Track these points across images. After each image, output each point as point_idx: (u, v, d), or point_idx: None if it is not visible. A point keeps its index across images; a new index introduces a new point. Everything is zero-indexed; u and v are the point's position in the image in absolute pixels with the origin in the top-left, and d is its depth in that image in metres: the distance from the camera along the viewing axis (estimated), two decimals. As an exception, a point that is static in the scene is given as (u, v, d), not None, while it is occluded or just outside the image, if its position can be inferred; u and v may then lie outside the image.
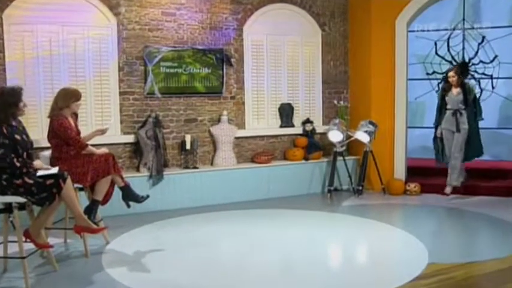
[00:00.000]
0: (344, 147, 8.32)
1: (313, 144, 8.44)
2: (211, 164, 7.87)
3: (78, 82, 6.89)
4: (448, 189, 7.70)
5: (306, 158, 8.31)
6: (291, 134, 8.49)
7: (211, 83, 7.77)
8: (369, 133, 7.94)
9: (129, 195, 5.53)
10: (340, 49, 8.85)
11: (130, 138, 7.31)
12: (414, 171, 8.60)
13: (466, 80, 7.81)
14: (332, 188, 8.00)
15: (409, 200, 7.80)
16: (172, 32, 7.52)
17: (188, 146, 7.51)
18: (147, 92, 7.36)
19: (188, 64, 7.58)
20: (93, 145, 5.55)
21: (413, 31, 8.74)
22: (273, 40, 8.29)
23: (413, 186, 8.07)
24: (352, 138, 8.18)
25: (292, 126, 8.51)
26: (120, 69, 7.23)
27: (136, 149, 7.31)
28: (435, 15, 8.86)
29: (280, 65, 8.39)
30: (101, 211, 5.53)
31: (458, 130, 7.55)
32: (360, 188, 8.05)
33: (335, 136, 8.09)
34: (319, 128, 8.66)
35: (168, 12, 7.49)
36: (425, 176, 8.47)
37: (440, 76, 8.09)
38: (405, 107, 8.37)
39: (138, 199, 5.56)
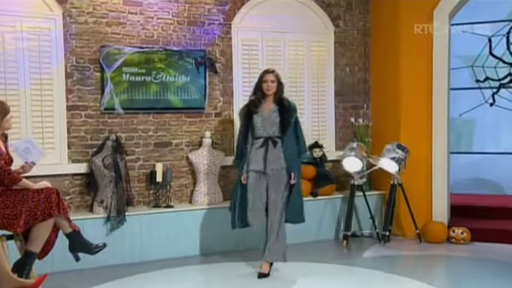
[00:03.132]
0: (364, 179, 8.27)
1: (323, 176, 8.38)
2: (190, 201, 7.81)
3: (8, 92, 6.81)
4: (264, 267, 6.45)
5: (314, 194, 8.25)
6: (294, 162, 8.31)
7: (189, 95, 7.75)
8: (398, 160, 7.86)
9: (78, 245, 5.43)
10: (359, 50, 8.88)
11: (81, 168, 7.22)
12: (460, 212, 8.53)
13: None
14: (349, 234, 7.95)
15: (454, 250, 7.66)
16: (138, 27, 7.49)
17: (159, 178, 7.45)
18: (105, 106, 7.32)
19: (159, 70, 7.56)
20: (29, 177, 5.40)
21: (458, 24, 8.72)
22: (271, 39, 8.30)
23: (459, 232, 7.94)
24: (375, 168, 8.14)
25: (296, 151, 8.33)
26: (67, 75, 7.15)
27: (89, 182, 7.23)
28: (489, 2, 8.69)
29: (280, 72, 8.06)
30: (38, 266, 5.37)
31: (265, 172, 6.39)
32: (387, 233, 7.98)
33: (352, 165, 8.02)
34: (332, 154, 8.64)
35: (133, 1, 7.46)
36: (476, 218, 8.42)
37: (496, 84, 7.88)
38: (446, 126, 8.31)
39: (91, 249, 5.47)
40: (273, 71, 6.53)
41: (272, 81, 6.42)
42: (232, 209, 6.53)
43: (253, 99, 6.51)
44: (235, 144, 7.41)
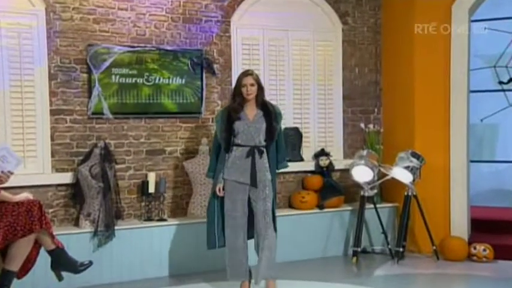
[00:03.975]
0: (375, 190, 8.22)
1: (330, 186, 8.35)
2: (186, 214, 7.73)
3: (-15, 94, 6.89)
4: (270, 285, 6.28)
5: (320, 206, 8.20)
6: (298, 172, 8.43)
7: (185, 98, 7.74)
8: (412, 170, 7.81)
9: (62, 262, 5.41)
10: (370, 50, 8.88)
11: (66, 178, 7.16)
12: (482, 227, 8.48)
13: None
14: (359, 250, 7.93)
15: (475, 269, 7.56)
16: (128, 25, 7.46)
17: (152, 189, 7.40)
18: (93, 110, 7.29)
19: (152, 71, 7.54)
20: (8, 188, 5.41)
21: (478, 21, 8.65)
22: (273, 38, 8.29)
23: (481, 248, 7.82)
24: (387, 178, 8.09)
25: (301, 160, 8.44)
26: (51, 77, 7.10)
27: (75, 194, 7.17)
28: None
29: (284, 74, 8.38)
30: (17, 286, 5.34)
31: (254, 184, 6.23)
32: (401, 249, 7.91)
33: (362, 174, 8.01)
34: (339, 162, 8.61)
35: (123, -5, 7.50)
36: (500, 233, 8.34)
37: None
38: (466, 132, 8.26)
39: (76, 267, 5.46)
40: (251, 73, 6.34)
41: (252, 85, 6.22)
42: (214, 226, 6.31)
43: (234, 105, 6.30)
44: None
